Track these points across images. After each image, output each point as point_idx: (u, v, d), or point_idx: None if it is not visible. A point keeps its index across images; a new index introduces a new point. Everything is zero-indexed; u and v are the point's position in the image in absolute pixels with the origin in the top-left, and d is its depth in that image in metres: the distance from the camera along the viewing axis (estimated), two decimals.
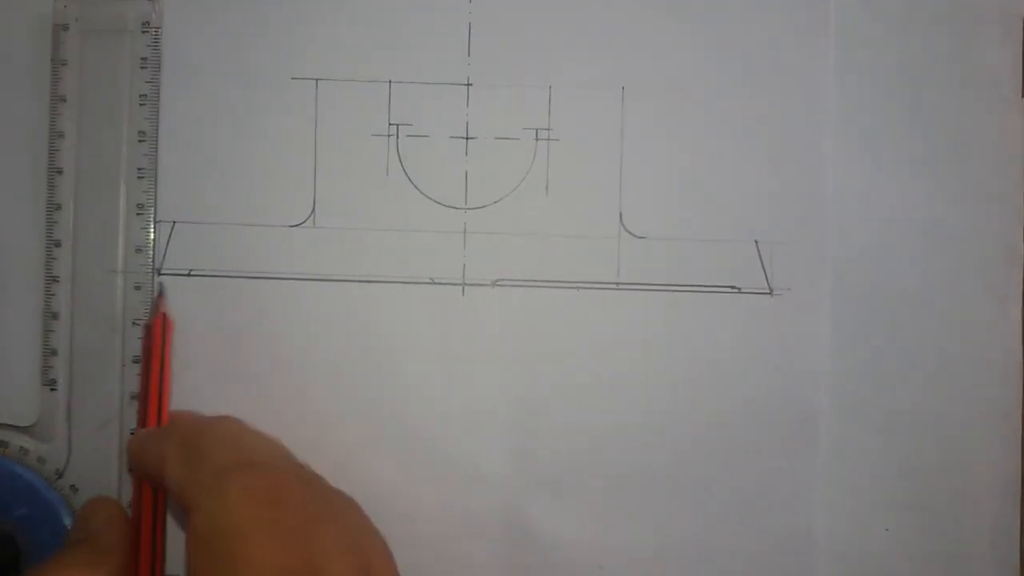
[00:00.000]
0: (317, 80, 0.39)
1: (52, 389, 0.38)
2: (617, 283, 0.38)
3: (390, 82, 0.39)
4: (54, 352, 0.38)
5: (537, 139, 0.39)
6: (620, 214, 0.39)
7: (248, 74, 0.39)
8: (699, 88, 0.39)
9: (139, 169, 0.38)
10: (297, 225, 0.39)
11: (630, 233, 0.39)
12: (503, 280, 0.39)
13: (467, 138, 0.39)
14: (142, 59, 0.38)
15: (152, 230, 0.38)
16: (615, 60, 0.39)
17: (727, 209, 0.39)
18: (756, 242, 0.38)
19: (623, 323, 0.38)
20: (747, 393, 0.38)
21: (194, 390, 0.38)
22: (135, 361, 0.38)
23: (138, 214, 0.38)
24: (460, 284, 0.39)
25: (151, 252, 0.38)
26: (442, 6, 0.39)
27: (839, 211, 0.38)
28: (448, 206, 0.39)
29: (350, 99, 0.39)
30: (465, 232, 0.39)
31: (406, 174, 0.39)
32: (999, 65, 0.39)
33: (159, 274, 0.39)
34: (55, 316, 0.38)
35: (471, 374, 0.38)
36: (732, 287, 0.38)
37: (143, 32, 0.38)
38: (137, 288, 0.38)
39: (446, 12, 0.39)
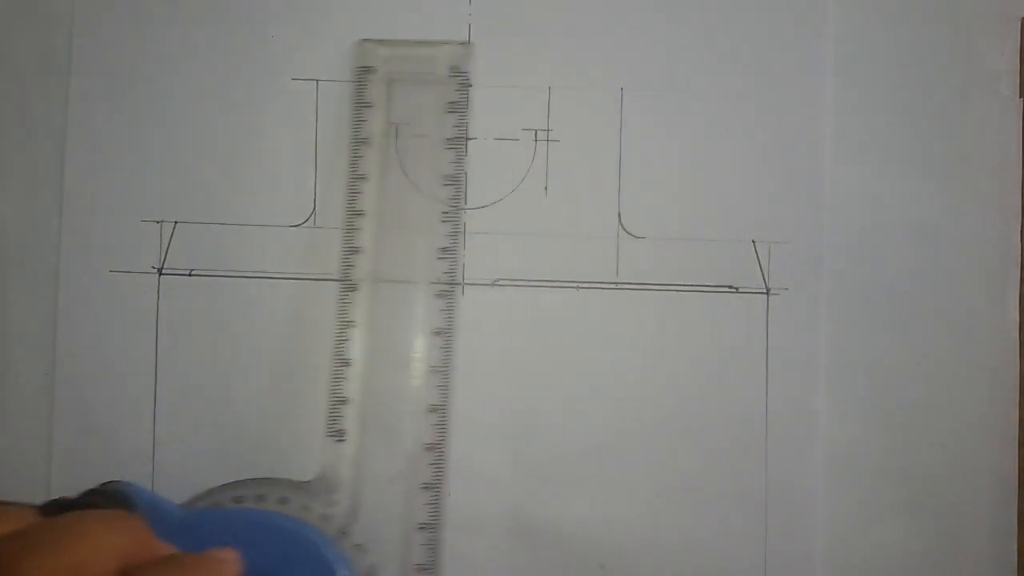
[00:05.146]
0: (317, 81, 0.39)
1: (339, 440, 0.36)
2: (616, 283, 0.39)
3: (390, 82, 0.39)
4: (344, 401, 0.36)
5: (536, 140, 0.39)
6: (619, 214, 0.39)
7: (248, 74, 0.39)
8: (698, 89, 0.39)
9: (443, 213, 0.37)
10: (297, 225, 0.39)
11: (629, 233, 0.39)
12: (503, 280, 0.39)
13: (467, 138, 0.39)
14: (450, 103, 0.38)
15: (457, 274, 0.37)
16: (614, 61, 0.39)
17: (725, 209, 0.39)
18: (753, 242, 0.38)
19: (622, 323, 0.38)
20: (745, 393, 0.38)
21: (194, 391, 0.39)
22: (431, 410, 0.37)
23: (439, 259, 0.37)
24: (460, 284, 0.39)
25: (452, 300, 0.37)
26: (442, 6, 0.39)
27: (837, 211, 0.38)
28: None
29: (351, 100, 0.39)
30: (465, 232, 0.39)
31: (406, 175, 0.39)
32: (998, 65, 0.39)
33: (160, 274, 0.39)
34: (347, 363, 0.37)
35: (471, 374, 0.39)
36: (730, 287, 0.38)
37: (451, 76, 0.38)
38: (437, 334, 0.37)
39: (446, 12, 0.39)
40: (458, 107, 0.38)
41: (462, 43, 0.38)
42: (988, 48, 0.39)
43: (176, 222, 0.39)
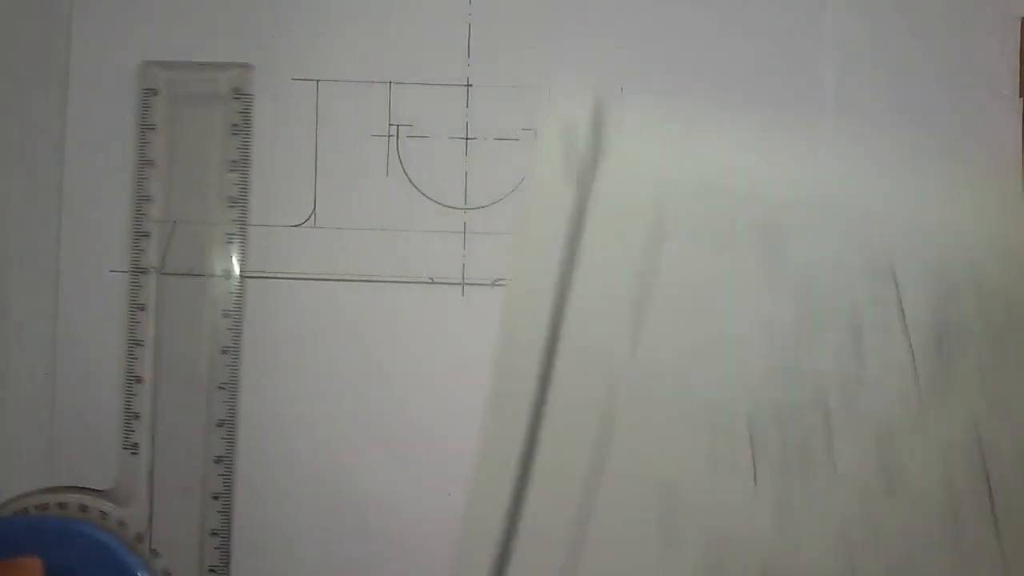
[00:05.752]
0: (317, 81, 0.39)
1: (133, 453, 0.38)
2: None
3: (390, 83, 0.39)
4: (136, 416, 0.38)
5: (537, 139, 0.39)
6: None
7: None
8: (698, 89, 0.39)
9: (227, 235, 0.38)
10: (297, 225, 0.39)
11: None
12: (503, 280, 0.39)
13: (467, 138, 0.39)
14: (233, 125, 0.38)
15: (241, 299, 0.38)
16: (615, 60, 0.39)
17: None
18: None
19: None
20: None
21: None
22: (219, 425, 0.38)
23: (225, 279, 0.38)
24: (460, 284, 0.39)
25: (240, 315, 0.38)
26: (442, 6, 0.39)
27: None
28: (448, 206, 0.39)
29: (350, 100, 0.39)
30: (465, 232, 0.39)
31: (406, 174, 0.39)
32: (998, 65, 0.39)
33: (161, 275, 0.39)
34: (139, 380, 0.38)
35: (471, 374, 0.38)
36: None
37: (235, 99, 0.38)
38: (224, 352, 0.38)
39: (446, 12, 0.39)
40: (241, 129, 0.38)
41: (243, 65, 0.38)
42: (988, 48, 0.39)
43: (175, 222, 0.39)
